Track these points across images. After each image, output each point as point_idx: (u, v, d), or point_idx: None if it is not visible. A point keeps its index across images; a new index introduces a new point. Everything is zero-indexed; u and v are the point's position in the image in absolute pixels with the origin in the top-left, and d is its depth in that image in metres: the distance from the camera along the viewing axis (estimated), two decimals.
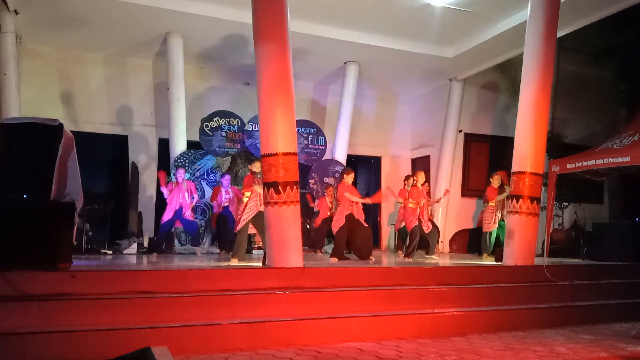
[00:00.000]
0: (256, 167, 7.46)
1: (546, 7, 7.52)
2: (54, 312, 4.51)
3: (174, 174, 10.43)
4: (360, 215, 8.22)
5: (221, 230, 9.67)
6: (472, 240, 12.09)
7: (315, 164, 11.86)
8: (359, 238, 8.25)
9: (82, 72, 11.47)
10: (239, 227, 7.49)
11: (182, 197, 8.75)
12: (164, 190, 8.82)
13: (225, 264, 6.93)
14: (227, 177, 9.86)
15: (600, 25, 10.21)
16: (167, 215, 8.75)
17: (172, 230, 9.28)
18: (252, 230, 7.81)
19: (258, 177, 7.28)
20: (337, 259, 8.00)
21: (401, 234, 10.64)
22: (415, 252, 8.80)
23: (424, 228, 8.79)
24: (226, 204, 9.57)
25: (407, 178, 9.85)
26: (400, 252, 10.72)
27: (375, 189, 13.56)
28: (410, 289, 6.00)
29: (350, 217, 8.13)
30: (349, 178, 8.29)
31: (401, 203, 9.35)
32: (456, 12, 9.63)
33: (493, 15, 9.87)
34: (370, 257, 8.20)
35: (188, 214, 8.85)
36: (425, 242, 9.20)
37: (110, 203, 9.79)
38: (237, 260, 7.32)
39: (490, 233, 9.35)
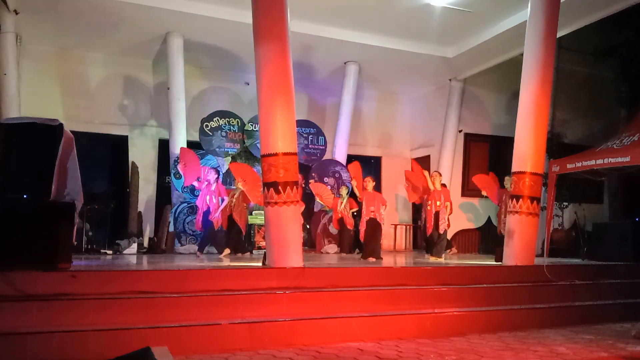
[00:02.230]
0: None
1: (546, 7, 7.51)
2: (54, 312, 4.51)
3: (174, 174, 10.45)
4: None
5: (231, 230, 9.58)
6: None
7: (315, 164, 11.86)
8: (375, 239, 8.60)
9: (82, 72, 11.47)
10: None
11: (209, 199, 8.79)
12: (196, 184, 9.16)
13: (225, 264, 6.93)
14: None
15: (600, 25, 10.20)
16: (199, 218, 8.95)
17: (216, 229, 9.17)
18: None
19: None
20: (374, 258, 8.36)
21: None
22: (444, 251, 9.03)
23: (440, 229, 8.83)
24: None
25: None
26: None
27: (375, 189, 13.51)
28: (410, 289, 6.00)
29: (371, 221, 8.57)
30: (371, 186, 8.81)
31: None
32: (456, 12, 9.63)
33: (493, 15, 9.88)
34: (371, 257, 8.33)
35: (216, 216, 8.86)
36: (431, 243, 9.20)
37: (110, 203, 9.78)
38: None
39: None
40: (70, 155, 5.71)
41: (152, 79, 11.93)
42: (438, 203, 8.87)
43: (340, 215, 10.43)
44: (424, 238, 10.37)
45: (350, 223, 10.47)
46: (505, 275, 6.97)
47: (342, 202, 10.47)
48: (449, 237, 12.46)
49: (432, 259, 8.73)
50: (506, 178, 9.43)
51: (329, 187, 11.20)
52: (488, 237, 12.07)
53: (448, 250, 9.85)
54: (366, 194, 8.76)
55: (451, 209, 9.49)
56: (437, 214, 8.89)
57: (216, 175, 9.19)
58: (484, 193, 10.40)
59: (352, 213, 10.54)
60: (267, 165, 6.23)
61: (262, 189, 6.47)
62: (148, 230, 11.22)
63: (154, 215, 11.33)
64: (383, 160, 14.27)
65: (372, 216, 8.57)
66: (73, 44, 11.06)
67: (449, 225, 9.22)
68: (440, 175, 9.40)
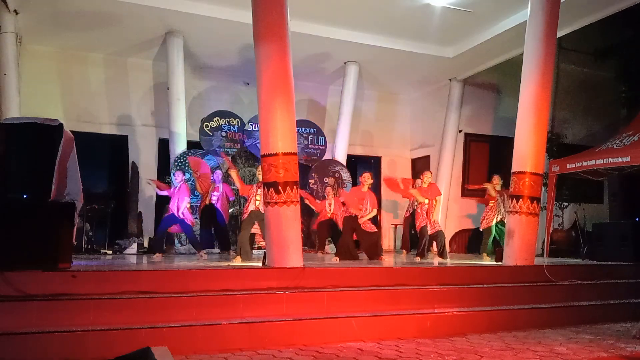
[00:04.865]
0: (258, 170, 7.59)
1: (546, 7, 7.51)
2: (54, 312, 4.51)
3: (173, 174, 10.43)
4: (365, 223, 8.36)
5: (217, 228, 9.55)
6: (472, 240, 12.13)
7: (315, 164, 11.86)
8: (366, 242, 8.42)
9: (82, 72, 11.47)
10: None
11: (178, 200, 8.68)
12: (164, 193, 8.82)
13: (225, 264, 6.93)
14: (219, 172, 9.81)
15: (600, 25, 10.21)
16: (166, 215, 8.71)
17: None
18: (254, 230, 7.88)
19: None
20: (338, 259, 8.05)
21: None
22: (426, 253, 8.80)
23: (429, 229, 8.79)
24: (214, 199, 9.46)
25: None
26: (404, 251, 10.72)
27: (375, 189, 13.52)
28: (410, 289, 6.00)
29: (350, 219, 8.23)
30: (367, 185, 8.45)
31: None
32: (456, 12, 9.63)
33: (493, 15, 9.87)
34: (380, 257, 8.31)
35: (186, 217, 8.74)
36: (431, 243, 9.14)
37: (110, 203, 9.79)
38: (240, 259, 7.37)
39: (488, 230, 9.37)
40: (70, 155, 5.70)
41: (152, 79, 11.92)
42: (427, 201, 8.83)
43: (331, 216, 10.23)
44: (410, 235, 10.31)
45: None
46: (506, 275, 6.97)
47: (330, 204, 10.13)
48: (448, 237, 12.52)
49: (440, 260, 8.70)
50: (495, 178, 9.49)
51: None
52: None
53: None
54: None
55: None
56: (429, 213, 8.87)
57: (182, 177, 9.01)
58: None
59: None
60: (267, 165, 6.23)
61: (262, 188, 6.48)
62: (148, 230, 11.22)
63: (154, 215, 11.33)
64: (383, 160, 14.28)
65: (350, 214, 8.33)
66: (73, 44, 11.06)
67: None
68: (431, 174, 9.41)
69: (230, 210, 9.94)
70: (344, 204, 9.24)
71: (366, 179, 8.49)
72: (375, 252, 8.39)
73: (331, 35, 10.49)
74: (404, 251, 10.81)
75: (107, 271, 5.46)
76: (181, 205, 8.40)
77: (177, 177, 8.79)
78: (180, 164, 10.52)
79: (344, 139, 12.20)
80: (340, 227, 9.93)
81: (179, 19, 9.82)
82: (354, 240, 8.82)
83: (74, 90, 11.32)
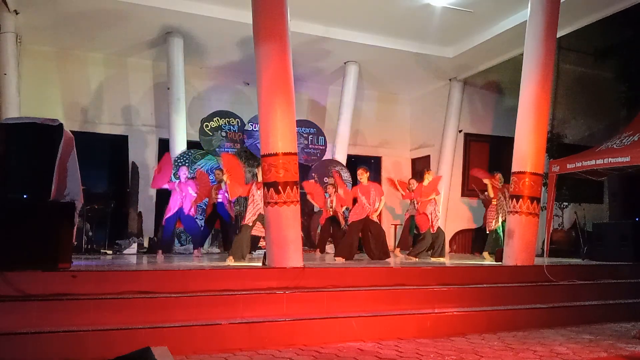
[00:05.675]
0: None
1: (546, 7, 7.51)
2: (54, 312, 4.50)
3: (174, 174, 10.44)
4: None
5: (223, 227, 9.58)
6: (475, 239, 12.13)
7: (315, 164, 11.86)
8: (374, 240, 8.30)
9: (82, 72, 11.48)
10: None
11: (184, 196, 8.69)
12: (167, 186, 8.84)
13: (225, 264, 6.93)
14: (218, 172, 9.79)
15: (600, 25, 10.21)
16: (169, 214, 8.67)
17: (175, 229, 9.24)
18: (256, 232, 7.72)
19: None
20: (344, 259, 7.99)
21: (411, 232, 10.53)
22: (422, 253, 8.76)
23: (431, 228, 8.78)
24: (219, 200, 9.44)
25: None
26: (399, 248, 10.71)
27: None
28: (410, 289, 6.00)
29: (367, 218, 8.17)
30: (365, 177, 8.39)
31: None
32: (456, 12, 9.64)
33: (493, 15, 9.89)
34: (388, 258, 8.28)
35: (190, 211, 8.76)
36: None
37: (110, 203, 9.78)
38: (232, 259, 7.28)
39: (496, 231, 9.37)
40: (70, 155, 5.70)
41: (152, 79, 11.93)
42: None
43: (332, 213, 10.21)
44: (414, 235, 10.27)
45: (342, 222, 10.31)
46: (506, 275, 6.97)
47: (331, 201, 10.09)
48: (448, 237, 12.50)
49: (433, 259, 8.69)
50: (496, 177, 9.49)
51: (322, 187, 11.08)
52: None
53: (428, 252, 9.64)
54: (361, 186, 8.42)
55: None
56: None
57: (186, 170, 9.07)
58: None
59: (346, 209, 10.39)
60: (267, 165, 6.22)
61: (262, 189, 6.47)
62: (148, 230, 11.22)
63: (154, 215, 11.33)
64: (383, 160, 14.28)
65: (368, 213, 8.22)
66: (73, 44, 11.07)
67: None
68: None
69: None
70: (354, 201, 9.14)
71: (362, 174, 8.45)
72: (384, 251, 8.35)
73: (331, 35, 10.51)
74: (399, 248, 10.80)
75: (107, 271, 5.46)
76: (186, 204, 8.52)
77: (183, 173, 8.83)
78: (180, 163, 10.51)
79: (344, 139, 12.21)
80: (342, 223, 9.97)
81: (179, 19, 9.82)
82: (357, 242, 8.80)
83: (74, 90, 11.33)
